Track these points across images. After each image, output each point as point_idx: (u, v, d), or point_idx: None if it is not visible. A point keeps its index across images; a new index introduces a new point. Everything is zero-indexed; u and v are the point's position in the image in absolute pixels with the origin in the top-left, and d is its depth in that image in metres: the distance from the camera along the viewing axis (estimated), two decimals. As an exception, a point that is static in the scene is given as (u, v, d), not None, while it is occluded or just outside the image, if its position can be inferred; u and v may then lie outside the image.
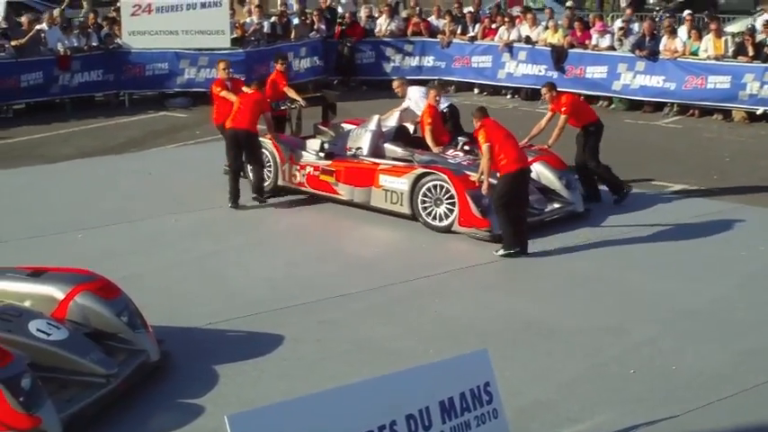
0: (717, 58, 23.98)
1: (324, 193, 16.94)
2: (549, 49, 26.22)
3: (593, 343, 11.38)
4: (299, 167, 17.26)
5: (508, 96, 27.27)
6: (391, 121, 17.86)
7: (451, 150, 16.79)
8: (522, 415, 9.49)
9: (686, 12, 26.89)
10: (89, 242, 15.05)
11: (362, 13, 30.27)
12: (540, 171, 16.24)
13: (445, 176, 15.38)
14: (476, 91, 27.84)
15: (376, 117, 17.46)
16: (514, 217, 14.31)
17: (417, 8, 30.36)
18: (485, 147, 14.41)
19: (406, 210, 15.81)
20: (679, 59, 24.43)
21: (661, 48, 24.72)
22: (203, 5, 26.16)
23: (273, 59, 20.94)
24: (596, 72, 25.69)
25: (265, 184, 17.31)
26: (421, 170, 15.76)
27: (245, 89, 17.79)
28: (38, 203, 17.22)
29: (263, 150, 17.47)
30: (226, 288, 13.26)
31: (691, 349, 11.21)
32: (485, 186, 14.50)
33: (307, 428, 6.94)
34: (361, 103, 22.71)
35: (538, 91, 26.07)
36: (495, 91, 27.55)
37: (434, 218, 15.51)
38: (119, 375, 9.95)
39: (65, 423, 9.11)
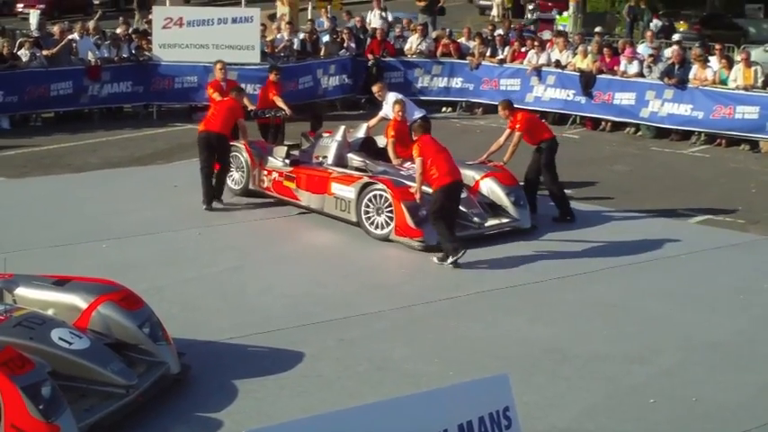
0: (746, 88, 23.90)
1: (287, 199, 17.59)
2: (578, 74, 26.20)
3: (614, 371, 11.34)
4: (266, 173, 18.04)
5: (535, 120, 27.25)
6: (359, 132, 18.50)
7: (408, 163, 17.03)
8: (540, 441, 9.49)
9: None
10: (113, 252, 15.11)
11: (394, 32, 30.31)
12: (489, 187, 16.91)
13: (384, 186, 15.89)
14: (503, 114, 27.83)
15: (342, 128, 18.19)
16: (450, 226, 14.94)
17: (447, 29, 30.41)
18: (417, 161, 15.13)
19: (353, 217, 16.36)
20: (708, 88, 24.37)
21: (691, 77, 24.66)
22: (234, 20, 26.29)
23: (268, 70, 21.85)
24: (624, 98, 25.65)
25: (238, 187, 18.33)
26: (366, 180, 16.30)
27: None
28: (64, 212, 17.30)
29: (237, 155, 18.25)
30: (247, 303, 13.28)
31: (712, 381, 11.17)
32: (417, 198, 15.32)
33: (324, 447, 6.94)
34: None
35: (565, 115, 26.34)
36: (523, 114, 27.54)
37: (375, 226, 16.02)
38: (138, 387, 9.96)
39: (83, 432, 9.16)
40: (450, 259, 14.76)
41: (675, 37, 32.85)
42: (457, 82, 28.48)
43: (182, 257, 15.09)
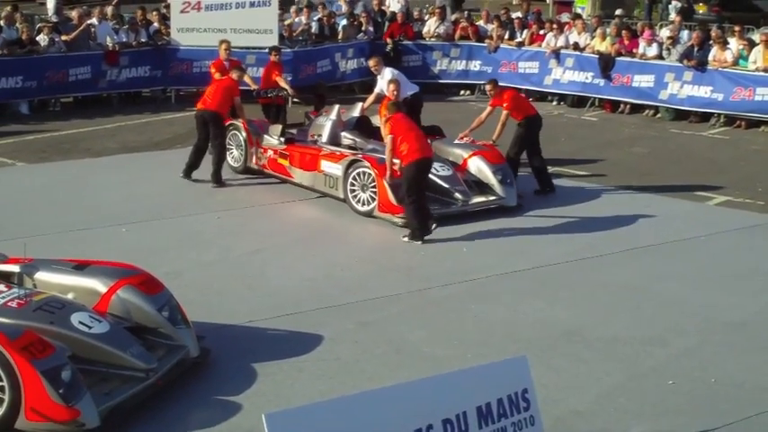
0: (765, 70, 23.75)
1: (281, 176, 18.01)
2: (597, 56, 26.11)
3: (632, 353, 11.33)
4: (262, 151, 18.47)
5: (554, 103, 27.17)
6: (354, 111, 18.84)
7: None
8: (559, 424, 9.48)
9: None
10: (133, 237, 15.15)
11: (412, 13, 30.26)
12: (477, 165, 17.18)
13: (368, 164, 16.22)
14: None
15: (337, 107, 18.58)
16: (422, 205, 15.29)
17: (466, 12, 30.34)
18: (387, 138, 15.48)
19: (340, 194, 16.71)
20: (727, 70, 24.26)
21: (710, 58, 24.55)
22: (252, 4, 26.24)
23: (268, 51, 22.03)
24: (643, 81, 25.56)
25: (238, 164, 18.77)
26: (352, 157, 16.61)
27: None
28: (83, 197, 17.36)
29: (236, 133, 18.74)
30: (266, 287, 13.31)
31: (731, 361, 11.15)
32: (388, 174, 15.67)
33: (343, 429, 6.95)
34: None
35: (584, 98, 26.27)
36: (542, 97, 27.45)
37: (360, 203, 16.43)
38: (158, 370, 10.00)
39: (103, 416, 9.18)
40: (408, 239, 15.17)
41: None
42: (475, 65, 28.43)
43: (201, 241, 15.12)
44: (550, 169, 18.46)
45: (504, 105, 17.72)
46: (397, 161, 15.48)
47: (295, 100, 22.41)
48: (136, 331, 10.35)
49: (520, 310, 12.58)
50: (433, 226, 15.15)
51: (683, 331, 11.98)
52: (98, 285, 10.58)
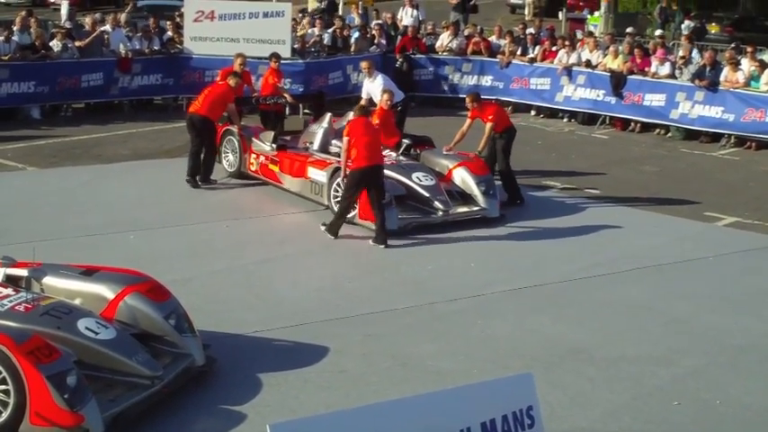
0: (778, 92, 23.77)
1: (272, 182, 18.40)
2: (609, 74, 26.11)
3: (638, 372, 11.31)
4: (255, 156, 18.77)
5: (565, 120, 27.19)
6: (345, 119, 18.66)
7: (387, 150, 17.65)
8: (563, 440, 9.48)
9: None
10: (141, 243, 15.17)
11: (425, 29, 30.28)
12: (461, 176, 17.48)
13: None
14: (533, 113, 27.78)
15: (328, 115, 18.90)
16: (350, 209, 16.01)
17: (478, 27, 30.38)
18: (344, 140, 15.84)
19: (325, 200, 16.96)
20: (739, 91, 24.24)
21: (722, 79, 24.54)
22: (265, 15, 26.35)
23: (268, 57, 22.20)
24: (654, 100, 25.54)
25: (232, 169, 19.16)
26: (336, 165, 16.72)
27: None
28: (93, 203, 17.40)
29: (231, 138, 19.18)
30: (273, 297, 13.31)
31: (737, 384, 11.12)
32: (342, 175, 16.07)
33: (348, 442, 6.94)
34: (416, 119, 22.68)
35: (595, 116, 26.27)
36: (552, 114, 27.50)
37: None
38: (163, 378, 10.00)
39: (107, 422, 9.19)
40: (328, 234, 15.79)
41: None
42: (487, 80, 28.44)
43: (209, 250, 15.13)
44: (560, 185, 18.46)
45: (490, 118, 18.07)
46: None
47: (299, 108, 22.46)
48: (142, 338, 10.36)
49: (526, 327, 12.56)
50: (335, 235, 15.78)
51: (689, 351, 11.95)
52: (106, 291, 10.60)
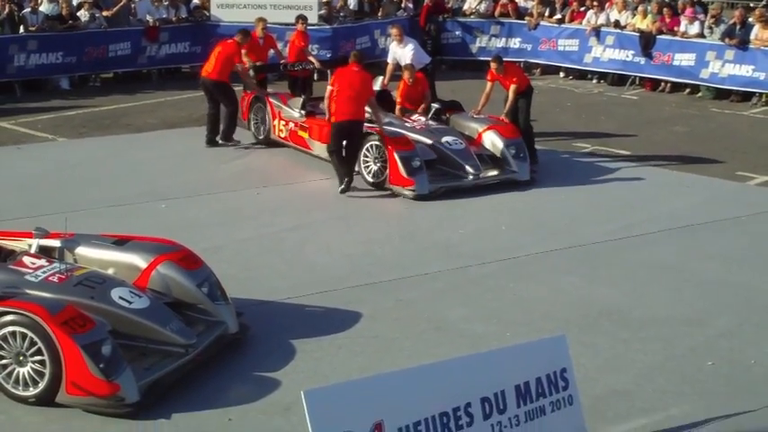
0: (808, 48, 23.58)
1: (301, 148, 18.37)
2: (638, 34, 25.95)
3: (671, 333, 11.27)
4: (284, 123, 18.75)
5: (594, 81, 27.07)
6: (375, 85, 18.67)
7: (416, 115, 17.98)
8: (597, 403, 9.45)
9: None
10: (172, 212, 15.20)
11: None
12: (491, 139, 17.39)
13: (379, 136, 16.55)
14: (561, 74, 27.70)
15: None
16: (341, 159, 16.30)
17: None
18: (327, 88, 16.43)
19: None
20: (770, 49, 24.08)
21: (752, 37, 24.34)
22: (292, -20, 26.27)
23: (294, 20, 22.04)
24: (684, 59, 25.39)
25: (262, 136, 19.27)
26: (365, 130, 16.71)
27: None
28: (123, 172, 17.43)
29: (260, 105, 19.34)
30: (305, 263, 13.32)
31: (771, 343, 11.09)
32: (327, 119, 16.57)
33: (382, 406, 6.97)
34: (445, 83, 22.63)
35: (624, 76, 26.13)
36: (581, 75, 27.39)
37: (371, 175, 16.72)
38: (197, 346, 10.03)
39: (143, 391, 9.24)
40: (340, 187, 16.15)
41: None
42: (515, 42, 28.33)
43: (240, 217, 15.15)
44: (591, 147, 18.39)
45: (514, 80, 18.13)
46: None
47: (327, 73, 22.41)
48: (175, 307, 10.38)
49: (558, 289, 12.53)
50: (345, 183, 16.18)
51: (722, 312, 11.90)
52: (138, 261, 10.63)
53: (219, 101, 18.86)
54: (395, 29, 20.59)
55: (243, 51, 19.39)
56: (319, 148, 17.64)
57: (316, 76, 21.59)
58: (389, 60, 20.23)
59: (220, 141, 18.92)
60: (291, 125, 18.51)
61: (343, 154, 16.28)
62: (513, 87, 18.06)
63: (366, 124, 16.77)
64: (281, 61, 21.08)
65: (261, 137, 19.22)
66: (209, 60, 18.95)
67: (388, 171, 16.26)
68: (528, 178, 16.97)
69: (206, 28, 26.39)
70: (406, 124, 17.55)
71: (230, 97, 18.93)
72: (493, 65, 18.34)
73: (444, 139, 17.04)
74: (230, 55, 18.75)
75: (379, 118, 16.70)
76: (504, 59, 18.91)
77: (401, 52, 19.73)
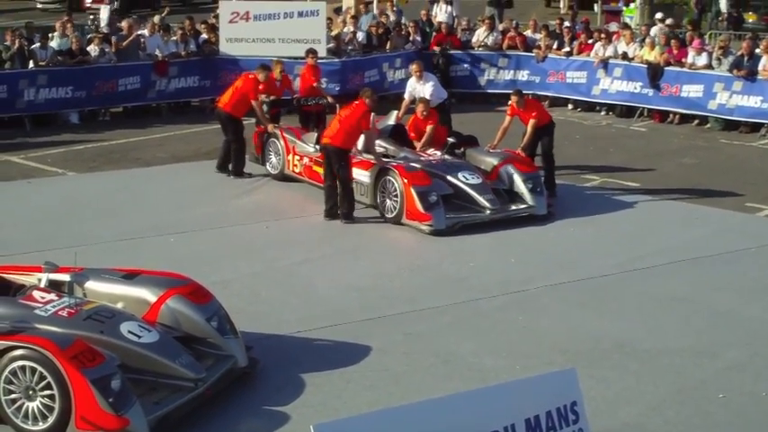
0: (817, 80, 23.57)
1: (316, 183, 17.91)
2: (645, 66, 25.98)
3: (682, 365, 11.25)
4: (299, 158, 18.63)
5: (602, 113, 27.06)
6: (389, 119, 19.00)
7: (432, 149, 17.90)
8: (608, 436, 9.44)
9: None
10: (181, 246, 15.22)
11: (460, 23, 30.24)
12: (508, 173, 17.30)
13: (396, 172, 16.45)
14: (570, 107, 27.70)
15: (372, 115, 17.88)
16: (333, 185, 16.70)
17: (514, 22, 30.32)
18: None
19: (369, 201, 16.95)
20: (778, 80, 24.08)
21: (760, 68, 24.36)
22: (300, 14, 26.38)
23: (305, 54, 22.07)
24: (692, 91, 25.38)
25: (275, 171, 19.13)
26: (381, 165, 16.72)
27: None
28: (132, 206, 17.46)
29: (274, 140, 19.15)
30: (314, 297, 13.32)
31: (782, 376, 11.05)
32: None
33: (392, 441, 6.94)
34: (453, 116, 22.62)
35: (632, 108, 26.15)
36: (590, 107, 27.39)
37: (387, 210, 16.67)
38: (207, 380, 10.03)
39: (152, 425, 9.23)
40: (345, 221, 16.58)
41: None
42: (523, 75, 28.36)
43: (249, 251, 15.16)
44: (599, 179, 18.41)
45: (533, 115, 18.08)
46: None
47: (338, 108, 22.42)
48: (185, 341, 10.39)
49: (568, 322, 12.52)
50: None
51: (732, 344, 11.88)
52: (147, 295, 10.64)
53: (227, 133, 19.09)
54: (415, 65, 20.44)
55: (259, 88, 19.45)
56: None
57: (329, 111, 21.58)
58: (406, 95, 20.06)
59: (232, 177, 19.00)
60: (306, 160, 18.40)
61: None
62: (532, 122, 18.02)
63: (384, 159, 16.84)
64: (294, 96, 21.07)
65: (275, 172, 19.14)
66: (227, 92, 19.22)
67: (403, 206, 16.19)
68: (545, 213, 16.86)
69: (215, 62, 26.47)
70: (422, 158, 17.47)
71: (238, 134, 19.08)
72: (513, 98, 18.31)
73: (461, 173, 16.94)
74: (247, 91, 18.94)
75: (370, 149, 17.02)
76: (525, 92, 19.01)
77: (420, 88, 19.62)
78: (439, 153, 17.79)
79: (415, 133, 18.31)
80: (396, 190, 16.32)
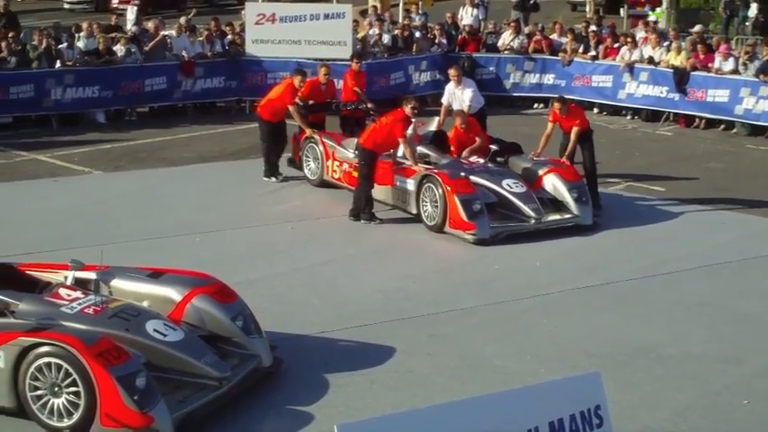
0: (843, 85, 23.46)
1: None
2: (671, 70, 25.90)
3: (707, 371, 11.22)
4: (338, 164, 18.28)
5: (628, 117, 26.98)
6: (431, 125, 18.73)
7: (474, 157, 17.54)
8: (632, 440, 9.42)
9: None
10: (207, 246, 15.26)
11: (486, 27, 30.22)
12: (553, 182, 16.94)
13: (439, 179, 16.03)
14: (595, 110, 27.58)
15: (413, 121, 17.62)
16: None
17: (540, 25, 30.27)
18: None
19: (413, 209, 16.64)
20: (805, 85, 23.97)
21: (787, 73, 24.26)
22: (326, 16, 26.39)
23: (349, 58, 21.91)
24: (718, 96, 25.26)
25: (314, 177, 18.86)
26: (424, 172, 16.42)
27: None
28: (158, 206, 17.53)
29: (313, 146, 18.80)
30: (339, 297, 13.35)
31: (808, 382, 11.01)
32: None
33: (416, 442, 6.94)
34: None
35: (658, 112, 26.06)
36: (615, 111, 27.29)
37: (428, 218, 16.33)
38: (231, 379, 10.07)
39: (176, 423, 9.26)
40: (363, 220, 16.74)
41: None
42: (549, 78, 28.28)
43: (274, 251, 15.19)
44: (625, 184, 18.37)
45: (577, 122, 17.70)
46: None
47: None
48: (210, 340, 10.43)
49: (593, 326, 12.50)
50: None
51: (757, 350, 11.84)
52: (173, 294, 10.69)
53: (262, 137, 19.15)
54: (453, 69, 19.94)
55: (298, 94, 19.13)
56: (374, 190, 17.12)
57: (369, 117, 21.33)
58: (444, 101, 19.65)
59: (265, 179, 19.02)
60: (345, 166, 18.06)
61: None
62: (575, 130, 17.64)
63: (425, 166, 16.76)
64: (334, 100, 20.51)
65: (313, 177, 18.83)
66: (266, 100, 19.13)
67: (445, 214, 15.91)
68: (590, 223, 16.56)
69: (241, 63, 26.50)
70: (465, 165, 17.16)
71: (269, 136, 19.04)
72: (556, 105, 18.00)
73: (505, 181, 16.63)
74: (284, 95, 18.75)
75: (411, 157, 16.76)
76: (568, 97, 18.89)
77: (460, 95, 19.17)
78: (482, 160, 17.44)
79: (457, 147, 17.81)
80: (438, 197, 16.04)
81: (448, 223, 15.92)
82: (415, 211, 16.56)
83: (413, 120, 17.04)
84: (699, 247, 15.74)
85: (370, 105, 20.33)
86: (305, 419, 9.88)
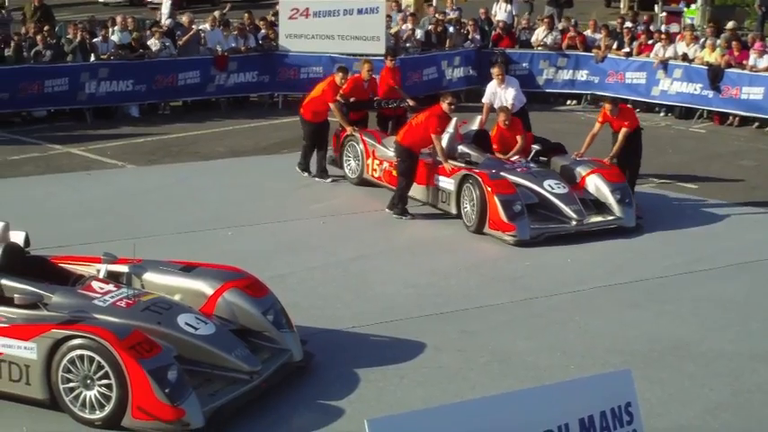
0: None
1: (395, 189, 17.21)
2: (706, 67, 25.77)
3: (739, 369, 11.17)
4: (378, 162, 18.12)
5: (661, 114, 26.86)
6: (473, 124, 18.37)
7: (516, 157, 17.28)
8: (663, 437, 9.40)
9: None
10: (239, 240, 15.31)
11: (520, 23, 30.16)
12: (595, 183, 16.64)
13: (479, 179, 15.88)
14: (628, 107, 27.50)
15: (454, 120, 17.43)
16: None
17: (573, 21, 30.18)
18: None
19: (453, 209, 16.46)
20: (841, 82, 23.83)
21: (823, 70, 24.13)
22: (360, 11, 26.35)
23: (384, 55, 21.63)
24: (752, 93, 25.10)
25: (354, 176, 18.70)
26: (465, 172, 16.26)
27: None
28: (191, 199, 17.60)
29: (354, 144, 18.64)
30: (369, 293, 13.37)
31: (840, 381, 10.95)
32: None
33: (445, 437, 6.95)
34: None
35: (692, 110, 25.94)
36: (649, 108, 27.17)
37: (467, 218, 16.14)
38: (262, 373, 10.10)
39: (207, 417, 9.30)
40: (394, 215, 16.76)
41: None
42: (582, 74, 28.18)
43: (305, 246, 15.23)
44: (658, 181, 18.30)
45: (626, 123, 17.38)
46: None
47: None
48: (241, 334, 10.47)
49: (624, 323, 12.47)
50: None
51: (790, 348, 11.80)
52: (205, 287, 10.73)
53: (305, 137, 18.99)
54: (497, 68, 19.45)
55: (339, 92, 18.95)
56: (415, 190, 17.09)
57: (410, 114, 21.13)
58: (485, 100, 19.24)
59: (315, 178, 18.94)
60: (386, 164, 17.86)
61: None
62: (624, 131, 17.32)
63: (454, 163, 16.68)
64: (375, 98, 20.09)
65: (353, 176, 18.75)
66: (307, 100, 19.00)
67: (485, 214, 15.69)
68: (633, 225, 16.27)
69: (274, 58, 26.56)
70: (506, 165, 16.89)
71: (315, 137, 18.90)
72: (607, 106, 17.68)
73: (546, 182, 16.35)
74: (325, 93, 18.63)
75: (440, 154, 16.65)
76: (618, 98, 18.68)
77: (502, 94, 18.84)
78: (524, 160, 17.18)
79: (499, 144, 17.60)
80: (475, 198, 15.85)
81: (487, 224, 15.71)
82: (455, 212, 16.40)
83: (450, 116, 16.92)
84: (730, 244, 15.67)
85: (411, 103, 20.03)
86: (335, 414, 9.91)
